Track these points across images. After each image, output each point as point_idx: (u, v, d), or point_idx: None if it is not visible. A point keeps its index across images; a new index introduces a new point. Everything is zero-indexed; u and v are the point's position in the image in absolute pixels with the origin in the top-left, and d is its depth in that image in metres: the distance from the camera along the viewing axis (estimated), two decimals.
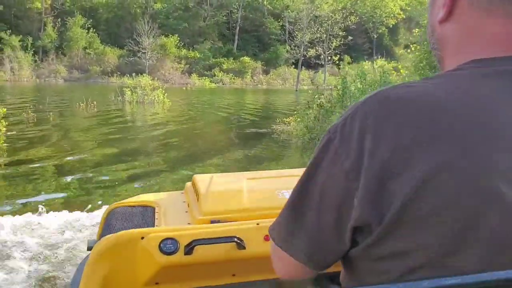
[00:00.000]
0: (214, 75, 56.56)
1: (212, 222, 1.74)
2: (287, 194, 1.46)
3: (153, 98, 22.85)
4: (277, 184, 2.03)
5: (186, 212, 2.02)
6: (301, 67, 51.30)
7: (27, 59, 53.93)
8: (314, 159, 0.76)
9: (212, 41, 61.59)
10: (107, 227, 2.05)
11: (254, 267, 1.62)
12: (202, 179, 2.11)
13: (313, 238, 0.77)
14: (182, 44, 58.28)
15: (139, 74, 47.30)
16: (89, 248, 1.95)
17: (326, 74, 51.41)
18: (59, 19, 58.32)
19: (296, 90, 43.68)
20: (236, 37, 64.32)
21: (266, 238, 1.54)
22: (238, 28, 64.30)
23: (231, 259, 1.56)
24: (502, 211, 0.63)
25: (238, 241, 1.54)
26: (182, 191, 2.31)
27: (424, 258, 0.65)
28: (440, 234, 0.64)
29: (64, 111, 18.99)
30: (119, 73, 51.58)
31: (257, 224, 1.62)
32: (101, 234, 1.98)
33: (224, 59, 59.72)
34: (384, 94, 0.72)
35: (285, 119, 14.22)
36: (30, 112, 14.89)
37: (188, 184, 2.25)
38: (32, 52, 55.17)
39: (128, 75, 46.63)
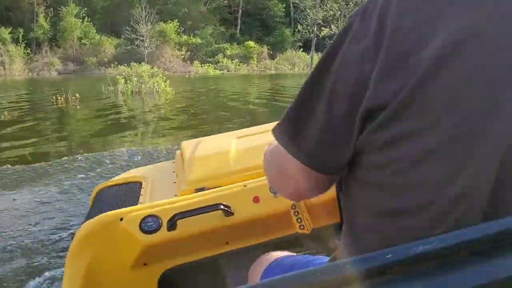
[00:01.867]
0: (218, 62, 52.10)
1: (197, 191, 1.59)
2: None
3: (151, 87, 17.94)
4: (266, 140, 1.75)
5: (175, 183, 1.85)
6: (313, 50, 45.86)
7: (18, 52, 49.67)
8: (329, 47, 0.69)
9: (213, 26, 56.84)
10: (92, 211, 1.77)
11: (248, 231, 1.51)
12: (189, 145, 1.96)
13: (322, 131, 0.69)
14: (182, 30, 53.69)
15: (138, 63, 43.89)
16: None
17: None
18: (52, 9, 53.76)
19: None
20: (239, 21, 59.95)
21: (255, 199, 1.47)
22: (240, 11, 59.80)
23: (219, 228, 1.45)
24: None
25: (225, 208, 1.43)
26: (173, 160, 2.10)
27: (436, 140, 0.58)
28: (459, 111, 0.57)
29: (31, 108, 13.92)
30: (116, 63, 47.15)
31: (245, 186, 1.51)
32: (86, 220, 1.68)
33: (228, 45, 55.26)
34: None
35: None
36: None
37: (178, 152, 2.08)
38: (24, 45, 50.94)
39: (126, 65, 42.76)
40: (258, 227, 1.52)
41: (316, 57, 52.38)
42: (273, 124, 1.80)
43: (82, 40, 53.20)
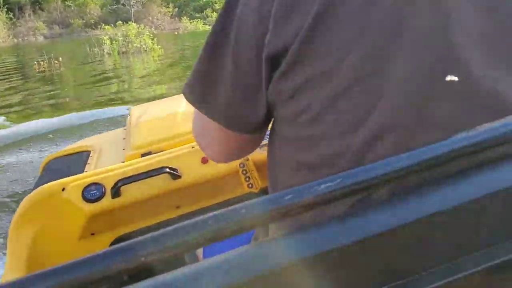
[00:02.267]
0: (207, 17, 50.31)
1: (143, 155, 1.53)
2: None
3: (139, 45, 17.00)
4: None
5: (124, 149, 1.76)
6: None
7: (0, 17, 47.76)
8: (225, 3, 0.64)
9: None
10: (38, 183, 1.69)
11: (198, 194, 1.49)
12: (138, 110, 1.89)
13: (232, 86, 0.65)
14: None
15: (125, 23, 42.40)
16: None
17: None
18: None
19: None
20: None
21: (204, 160, 1.43)
22: None
23: (167, 192, 1.40)
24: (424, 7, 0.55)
25: (171, 171, 1.39)
26: (125, 127, 2.01)
27: (340, 82, 0.56)
28: (359, 46, 0.55)
29: (9, 75, 12.95)
30: (103, 24, 45.48)
31: (192, 147, 1.46)
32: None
33: None
34: None
35: None
36: None
37: (128, 118, 1.97)
38: (6, 10, 49.00)
39: (112, 25, 41.41)
40: (208, 189, 1.48)
41: None
42: None
43: (66, 2, 51.30)
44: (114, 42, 16.92)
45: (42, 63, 13.61)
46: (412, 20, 0.55)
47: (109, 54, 16.67)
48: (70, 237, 1.41)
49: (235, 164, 1.47)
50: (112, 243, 1.48)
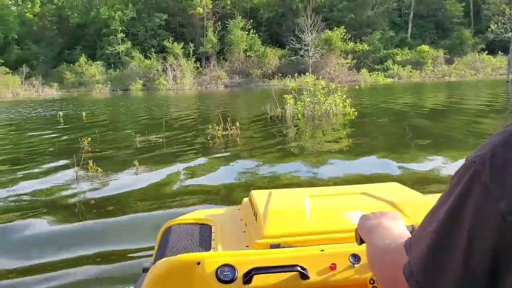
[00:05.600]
0: (387, 69, 46.43)
1: (272, 246, 1.53)
2: (354, 216, 1.45)
3: (328, 107, 13.82)
4: (342, 203, 1.79)
5: (244, 232, 1.79)
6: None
7: (189, 66, 50.07)
8: (457, 195, 0.63)
9: (382, 31, 51.29)
10: (162, 248, 1.78)
11: None
12: (259, 196, 1.91)
13: (459, 284, 0.63)
14: (349, 36, 48.96)
15: (302, 74, 40.87)
16: (144, 270, 1.72)
17: None
18: (220, 23, 53.68)
19: (508, 81, 31.13)
20: (410, 24, 53.71)
21: (332, 267, 1.41)
22: (411, 14, 53.30)
23: None
24: None
25: (301, 270, 1.36)
26: (239, 207, 2.05)
27: None
28: None
29: (180, 143, 10.46)
30: (280, 74, 44.58)
31: (322, 250, 1.45)
32: (157, 256, 1.77)
33: (398, 50, 49.39)
34: None
35: None
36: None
37: (245, 200, 2.02)
38: (194, 59, 51.35)
39: (289, 76, 39.98)
40: None
41: (495, 60, 44.01)
42: (345, 187, 2.00)
43: (247, 53, 51.95)
44: (298, 102, 13.99)
45: (218, 129, 11.08)
46: None
47: (292, 116, 13.75)
48: None
49: (364, 277, 1.40)
50: None
